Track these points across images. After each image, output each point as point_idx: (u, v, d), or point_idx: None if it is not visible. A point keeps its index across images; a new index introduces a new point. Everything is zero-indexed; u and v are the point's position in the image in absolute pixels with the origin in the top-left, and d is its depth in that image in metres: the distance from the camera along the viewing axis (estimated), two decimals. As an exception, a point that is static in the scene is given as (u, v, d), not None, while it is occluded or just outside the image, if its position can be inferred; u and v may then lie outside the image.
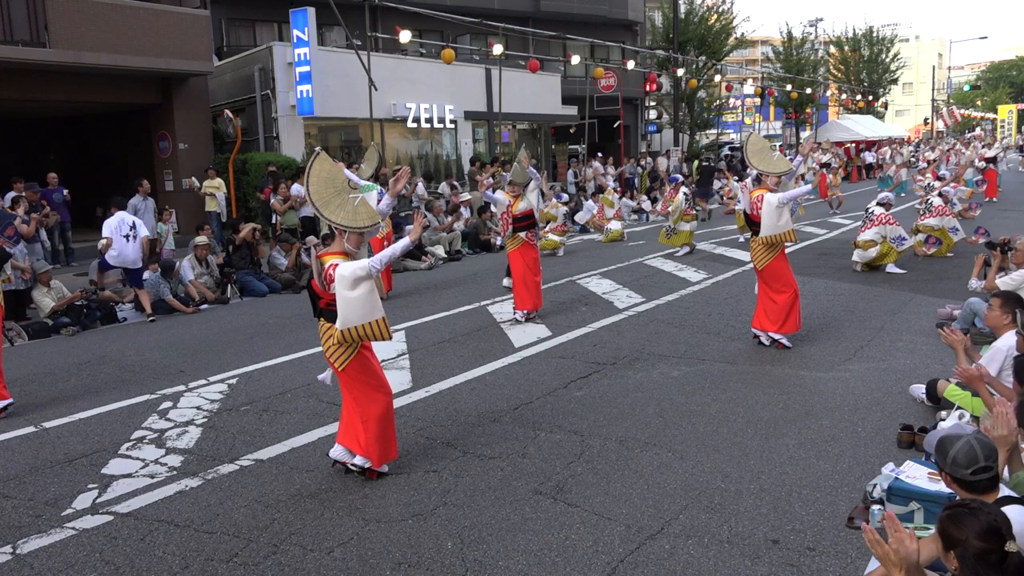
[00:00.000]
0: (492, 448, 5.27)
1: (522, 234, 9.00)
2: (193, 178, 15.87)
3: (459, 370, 7.17)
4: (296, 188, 14.77)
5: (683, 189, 14.14)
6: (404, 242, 4.75)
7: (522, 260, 8.99)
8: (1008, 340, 5.00)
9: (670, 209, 13.93)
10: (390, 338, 4.69)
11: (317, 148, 4.89)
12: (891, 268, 11.12)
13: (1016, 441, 3.34)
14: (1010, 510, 2.66)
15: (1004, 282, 7.06)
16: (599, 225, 17.19)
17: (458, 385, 6.75)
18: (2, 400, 6.42)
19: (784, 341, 7.46)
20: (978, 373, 4.42)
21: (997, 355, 5.00)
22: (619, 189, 21.09)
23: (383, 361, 7.48)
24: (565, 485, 4.65)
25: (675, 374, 6.81)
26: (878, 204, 11.55)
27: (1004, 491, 2.99)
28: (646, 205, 21.07)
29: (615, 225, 16.77)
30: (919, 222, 12.48)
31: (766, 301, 7.47)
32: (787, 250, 7.52)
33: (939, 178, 15.19)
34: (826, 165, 24.21)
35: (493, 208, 9.61)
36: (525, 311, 9.07)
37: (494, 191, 9.43)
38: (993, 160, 22.73)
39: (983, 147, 25.41)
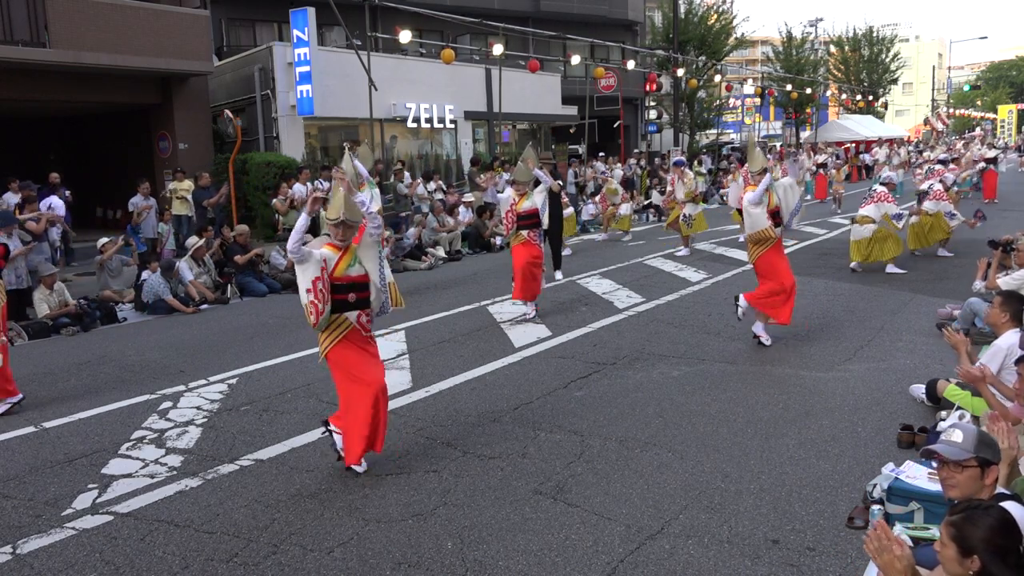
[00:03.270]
0: (492, 448, 5.27)
1: (524, 232, 9.00)
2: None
3: (459, 370, 7.17)
4: (298, 188, 14.77)
5: (688, 172, 14.23)
6: (301, 219, 4.67)
7: (523, 254, 9.00)
8: (1008, 339, 5.01)
9: (684, 188, 13.90)
10: (313, 325, 4.74)
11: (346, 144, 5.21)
12: (891, 268, 11.11)
13: (1016, 454, 3.33)
14: (1009, 506, 2.66)
15: (1005, 281, 7.07)
16: (609, 216, 17.05)
17: (458, 385, 6.75)
18: (12, 396, 6.44)
19: (762, 336, 7.46)
20: (980, 374, 4.42)
21: (997, 354, 5.00)
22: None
23: (384, 360, 7.48)
24: (565, 485, 4.65)
25: (675, 374, 6.81)
26: (880, 183, 11.66)
27: (996, 488, 3.00)
28: (654, 196, 20.87)
29: (624, 209, 16.74)
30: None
31: (762, 289, 7.56)
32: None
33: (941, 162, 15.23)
34: (822, 166, 24.23)
35: (499, 206, 9.64)
36: (532, 303, 9.06)
37: (502, 190, 9.43)
38: (993, 161, 22.72)
39: (983, 147, 25.43)
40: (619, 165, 23.59)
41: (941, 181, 12.84)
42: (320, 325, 4.76)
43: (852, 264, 11.31)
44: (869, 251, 11.16)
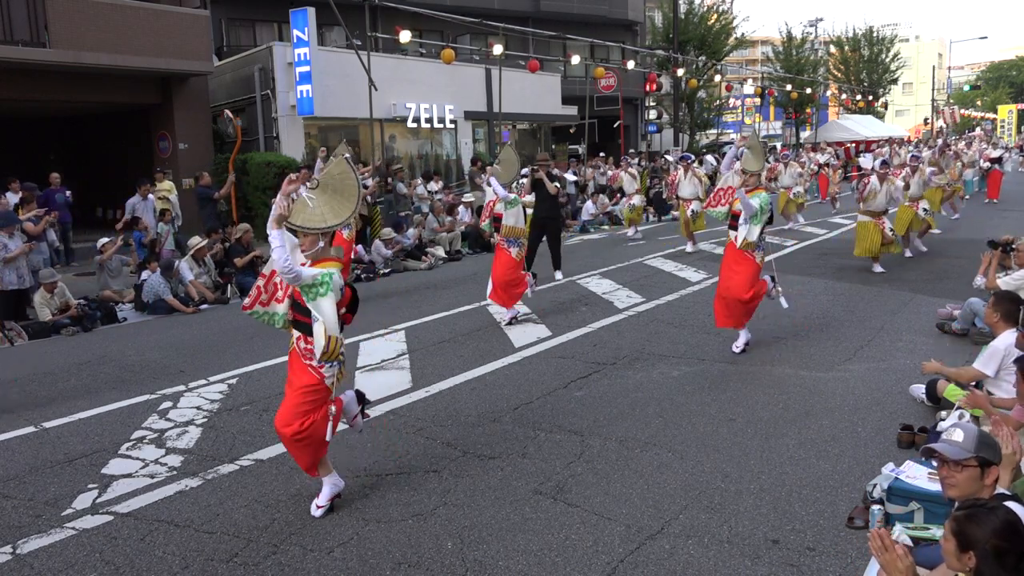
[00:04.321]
0: (492, 448, 5.27)
1: (496, 233, 9.06)
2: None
3: (459, 370, 7.17)
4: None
5: (695, 167, 14.34)
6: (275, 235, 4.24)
7: (497, 262, 8.95)
8: (1006, 339, 5.01)
9: (701, 184, 14.00)
10: (243, 307, 4.69)
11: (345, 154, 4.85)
12: (876, 268, 11.16)
13: (1019, 460, 3.34)
14: (1013, 507, 2.66)
15: (1005, 282, 7.07)
16: (621, 212, 17.12)
17: (458, 385, 6.75)
18: None
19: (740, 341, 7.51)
20: (986, 400, 4.43)
21: (995, 355, 5.01)
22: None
23: (384, 361, 7.51)
24: (565, 485, 4.65)
25: (675, 374, 6.81)
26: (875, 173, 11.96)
27: (997, 489, 3.00)
28: (661, 182, 20.81)
29: (636, 201, 16.80)
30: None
31: None
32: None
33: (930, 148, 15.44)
34: (824, 165, 24.22)
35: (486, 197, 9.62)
36: (508, 309, 8.98)
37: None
38: (998, 160, 22.70)
39: (988, 146, 25.40)
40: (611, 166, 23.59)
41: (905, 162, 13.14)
42: (254, 314, 4.61)
43: (875, 267, 11.26)
44: (869, 240, 11.17)
